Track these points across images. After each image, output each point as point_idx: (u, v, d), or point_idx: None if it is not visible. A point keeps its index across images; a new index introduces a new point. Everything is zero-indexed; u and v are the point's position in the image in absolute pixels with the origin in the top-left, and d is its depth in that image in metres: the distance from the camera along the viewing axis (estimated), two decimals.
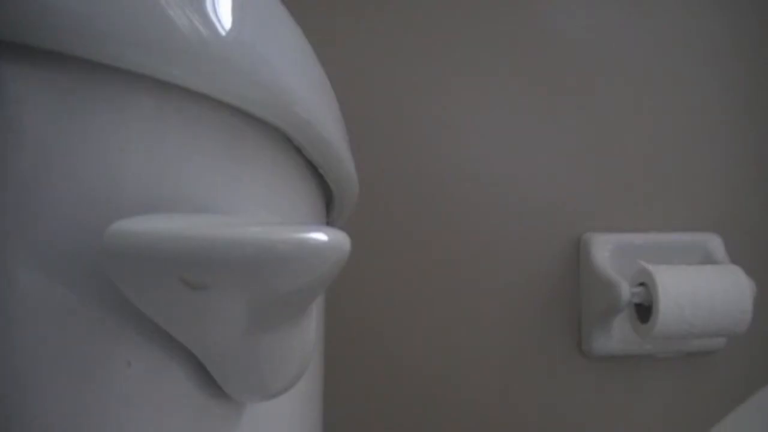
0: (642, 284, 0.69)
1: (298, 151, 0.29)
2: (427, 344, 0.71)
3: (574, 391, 0.77)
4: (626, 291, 0.68)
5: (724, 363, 0.79)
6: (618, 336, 0.74)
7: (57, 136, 0.18)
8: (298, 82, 0.26)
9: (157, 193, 0.20)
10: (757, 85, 0.80)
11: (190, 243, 0.18)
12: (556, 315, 0.76)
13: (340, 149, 0.32)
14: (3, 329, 0.18)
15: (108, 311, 0.19)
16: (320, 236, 0.20)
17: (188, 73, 0.20)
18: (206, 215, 0.21)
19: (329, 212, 0.39)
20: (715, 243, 0.76)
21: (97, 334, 0.19)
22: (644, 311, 0.69)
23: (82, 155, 0.19)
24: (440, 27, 0.74)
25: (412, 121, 0.71)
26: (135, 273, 0.18)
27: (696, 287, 0.67)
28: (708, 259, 0.75)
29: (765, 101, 0.80)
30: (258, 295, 0.20)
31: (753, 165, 0.80)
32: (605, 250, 0.74)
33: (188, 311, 0.19)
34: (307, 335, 0.25)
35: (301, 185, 0.30)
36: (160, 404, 0.21)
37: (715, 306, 0.67)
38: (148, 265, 0.18)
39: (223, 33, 0.20)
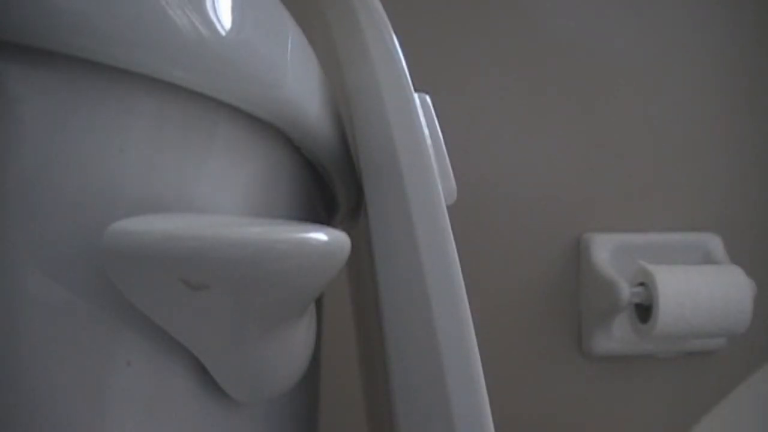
0: (642, 284, 0.69)
1: (298, 150, 0.29)
2: None
3: (574, 391, 0.77)
4: (626, 291, 0.68)
5: (724, 363, 0.79)
6: (618, 336, 0.74)
7: (57, 136, 0.18)
8: (298, 82, 0.26)
9: (157, 193, 0.20)
10: (758, 84, 0.80)
11: (190, 243, 0.18)
12: (556, 315, 0.76)
13: (340, 150, 0.32)
14: (2, 329, 0.18)
15: (108, 311, 0.19)
16: (320, 236, 0.20)
17: (189, 73, 0.20)
18: (206, 215, 0.21)
19: (330, 213, 0.39)
20: (715, 243, 0.76)
21: (97, 333, 0.19)
22: (644, 311, 0.69)
23: (82, 155, 0.19)
24: (440, 26, 0.74)
25: None
26: (135, 273, 0.18)
27: (696, 287, 0.67)
28: (708, 259, 0.75)
29: (765, 101, 0.80)
30: (258, 295, 0.20)
31: (753, 165, 0.80)
32: (605, 250, 0.74)
33: (188, 311, 0.19)
34: (306, 334, 0.25)
35: (301, 185, 0.30)
36: (160, 404, 0.21)
37: (715, 306, 0.67)
38: (148, 265, 0.18)
39: (223, 33, 0.20)
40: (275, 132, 0.26)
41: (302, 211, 0.30)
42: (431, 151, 0.29)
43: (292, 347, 0.24)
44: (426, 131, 0.29)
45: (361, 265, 0.36)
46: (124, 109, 0.19)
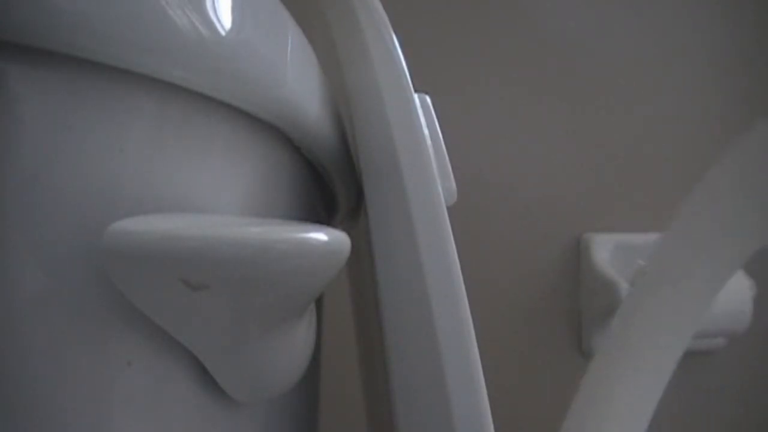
0: None
1: (298, 150, 0.29)
2: None
3: (574, 391, 0.77)
4: (626, 291, 0.68)
5: (724, 363, 0.79)
6: None
7: (57, 136, 0.18)
8: (298, 82, 0.26)
9: (157, 193, 0.20)
10: (757, 84, 0.80)
11: (190, 243, 0.18)
12: (556, 315, 0.76)
13: (340, 150, 0.32)
14: (1, 329, 0.18)
15: (108, 311, 0.19)
16: (320, 236, 0.20)
17: (189, 73, 0.20)
18: (206, 215, 0.21)
19: (330, 213, 0.39)
20: None
21: (97, 333, 0.19)
22: None
23: (82, 155, 0.19)
24: (440, 26, 0.74)
25: None
26: (135, 273, 0.18)
27: None
28: None
29: (765, 101, 0.80)
30: (258, 295, 0.20)
31: None
32: (605, 250, 0.74)
33: (188, 311, 0.19)
34: (306, 334, 0.25)
35: (301, 185, 0.30)
36: (160, 404, 0.21)
37: (714, 306, 0.67)
38: (148, 265, 0.18)
39: (223, 33, 0.20)
40: (275, 132, 0.26)
41: (302, 211, 0.30)
42: (431, 151, 0.29)
43: (292, 347, 0.24)
44: (426, 131, 0.29)
45: (361, 265, 0.36)
46: (124, 109, 0.19)
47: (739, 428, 0.80)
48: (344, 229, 0.22)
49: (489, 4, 0.75)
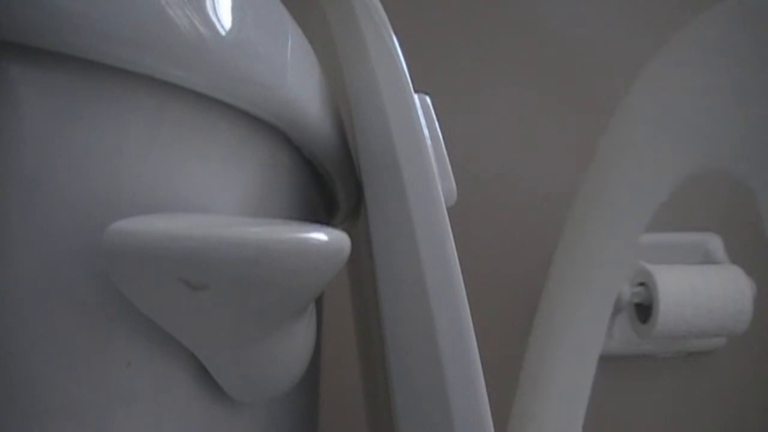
0: (642, 284, 0.69)
1: (298, 150, 0.29)
2: None
3: None
4: (626, 291, 0.68)
5: (724, 363, 0.79)
6: (618, 336, 0.74)
7: (57, 137, 0.18)
8: (298, 82, 0.26)
9: (156, 193, 0.20)
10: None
11: (190, 243, 0.18)
12: None
13: (340, 150, 0.32)
14: (2, 329, 0.18)
15: (108, 311, 0.19)
16: (320, 236, 0.20)
17: (188, 73, 0.20)
18: (206, 215, 0.21)
19: (330, 213, 0.39)
20: (715, 243, 0.76)
21: (96, 334, 0.19)
22: (644, 311, 0.69)
23: (82, 156, 0.19)
24: (440, 26, 0.74)
25: None
26: (135, 273, 0.18)
27: (696, 287, 0.67)
28: (708, 259, 0.75)
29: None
30: (258, 295, 0.20)
31: None
32: None
33: (188, 311, 0.20)
34: (306, 334, 0.25)
35: (301, 185, 0.30)
36: (160, 404, 0.21)
37: (714, 306, 0.67)
38: (148, 265, 0.18)
39: (223, 33, 0.20)
40: (275, 132, 0.26)
41: (302, 211, 0.30)
42: (431, 151, 0.29)
43: (293, 347, 0.24)
44: (426, 131, 0.29)
45: (361, 265, 0.36)
46: (124, 108, 0.19)
47: (739, 428, 0.80)
48: (344, 229, 0.22)
49: (489, 4, 0.75)
